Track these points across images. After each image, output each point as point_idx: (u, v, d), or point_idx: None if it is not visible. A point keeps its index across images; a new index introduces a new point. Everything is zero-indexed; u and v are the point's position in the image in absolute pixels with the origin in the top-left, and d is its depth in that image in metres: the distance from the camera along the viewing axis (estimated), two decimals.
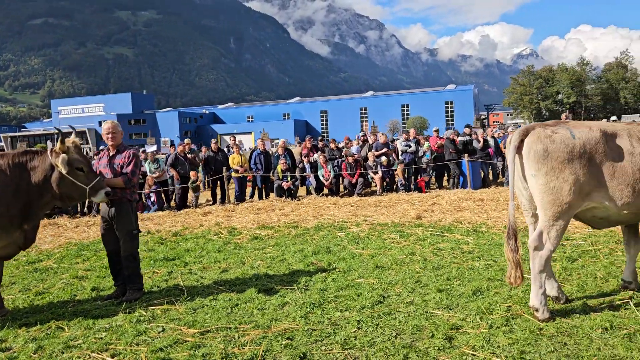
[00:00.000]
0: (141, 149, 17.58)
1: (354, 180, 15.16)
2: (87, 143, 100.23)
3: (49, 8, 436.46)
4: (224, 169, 14.49)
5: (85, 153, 5.84)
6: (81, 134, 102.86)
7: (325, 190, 15.64)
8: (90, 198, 5.31)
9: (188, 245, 8.52)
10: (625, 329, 4.08)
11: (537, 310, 4.40)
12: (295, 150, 17.24)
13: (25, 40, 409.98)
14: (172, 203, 14.67)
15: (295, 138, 47.23)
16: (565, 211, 4.29)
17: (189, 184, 13.85)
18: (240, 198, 14.69)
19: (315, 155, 15.77)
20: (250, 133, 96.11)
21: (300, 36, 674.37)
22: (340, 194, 15.37)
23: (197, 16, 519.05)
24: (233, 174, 14.78)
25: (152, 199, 14.20)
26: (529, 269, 4.53)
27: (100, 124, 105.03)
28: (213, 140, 15.35)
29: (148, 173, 14.62)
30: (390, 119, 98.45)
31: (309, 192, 15.51)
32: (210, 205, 14.36)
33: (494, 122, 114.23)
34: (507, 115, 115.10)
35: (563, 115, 22.67)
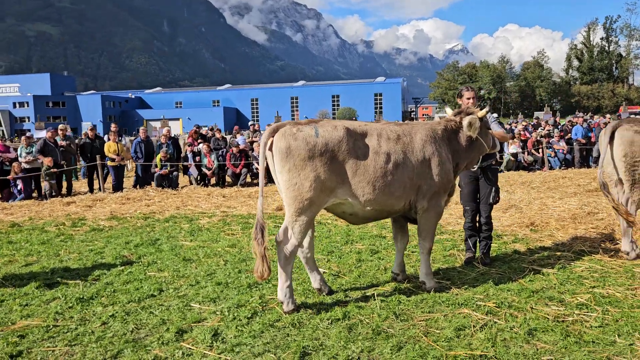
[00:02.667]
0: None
1: (237, 171, 15.12)
2: (0, 126, 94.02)
3: None
4: (97, 157, 13.99)
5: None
6: None
7: (213, 181, 15.51)
8: None
9: (18, 237, 8.17)
10: (352, 319, 4.30)
11: (282, 302, 4.55)
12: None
13: None
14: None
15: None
16: (307, 207, 4.44)
17: (42, 172, 13.22)
18: (118, 187, 14.26)
19: (200, 145, 15.57)
20: (178, 119, 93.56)
21: (237, 22, 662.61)
22: (226, 185, 15.29)
23: None
24: (109, 163, 14.31)
25: (19, 187, 13.50)
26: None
27: (15, 105, 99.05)
28: (89, 127, 14.78)
29: (19, 158, 13.90)
30: (320, 109, 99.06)
31: (191, 182, 15.31)
32: (85, 194, 13.83)
33: (423, 114, 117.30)
34: (436, 108, 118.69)
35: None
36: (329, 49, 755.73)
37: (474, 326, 4.10)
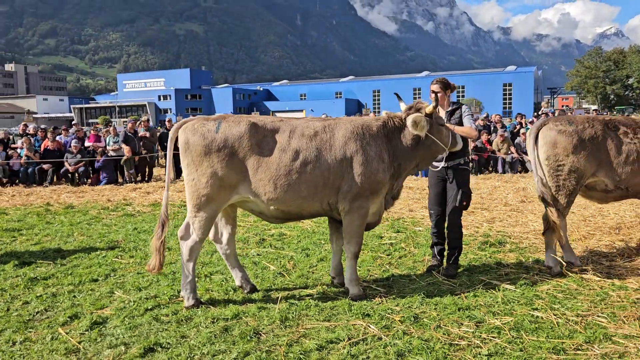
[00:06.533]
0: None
1: None
2: (147, 115, 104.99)
3: None
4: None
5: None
6: (141, 107, 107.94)
7: None
8: None
9: (60, 218, 9.08)
10: (239, 321, 4.17)
11: (183, 297, 4.55)
12: None
13: (104, 16, 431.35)
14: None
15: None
16: (205, 203, 4.38)
17: (121, 162, 14.46)
18: None
19: None
20: (302, 111, 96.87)
21: (367, 13, 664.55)
22: None
23: None
24: None
25: (103, 174, 14.97)
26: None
27: (160, 98, 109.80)
28: (167, 118, 15.89)
29: (107, 147, 15.44)
30: None
31: None
32: (157, 181, 14.96)
33: (563, 106, 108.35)
34: (577, 99, 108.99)
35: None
36: (462, 37, 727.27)
37: (348, 340, 3.76)
